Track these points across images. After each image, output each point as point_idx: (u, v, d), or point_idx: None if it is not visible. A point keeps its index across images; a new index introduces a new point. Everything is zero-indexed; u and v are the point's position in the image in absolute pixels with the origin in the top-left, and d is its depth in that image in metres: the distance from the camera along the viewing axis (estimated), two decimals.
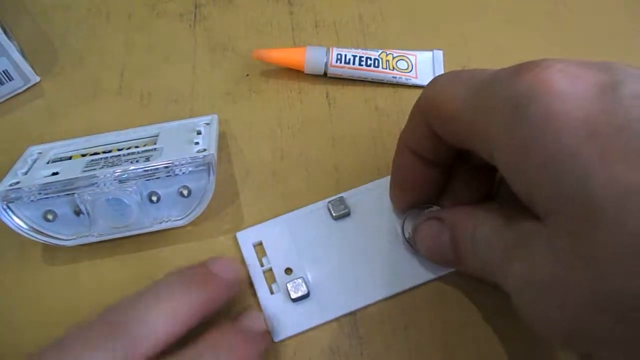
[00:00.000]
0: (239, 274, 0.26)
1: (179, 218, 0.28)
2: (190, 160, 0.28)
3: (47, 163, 0.30)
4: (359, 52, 0.35)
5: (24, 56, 0.35)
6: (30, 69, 0.35)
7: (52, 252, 0.29)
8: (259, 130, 0.34)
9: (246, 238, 0.29)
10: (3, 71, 0.34)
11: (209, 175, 0.28)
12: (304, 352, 0.26)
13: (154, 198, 0.28)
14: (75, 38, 0.39)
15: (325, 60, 0.34)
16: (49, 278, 0.29)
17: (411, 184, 0.26)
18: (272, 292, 0.27)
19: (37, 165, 0.30)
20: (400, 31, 0.38)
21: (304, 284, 0.26)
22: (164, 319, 0.22)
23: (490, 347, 0.26)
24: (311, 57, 0.34)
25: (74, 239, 0.28)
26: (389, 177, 0.28)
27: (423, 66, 0.35)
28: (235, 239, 0.29)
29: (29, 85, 0.36)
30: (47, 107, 0.36)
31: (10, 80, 0.35)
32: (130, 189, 0.27)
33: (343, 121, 0.34)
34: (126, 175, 0.27)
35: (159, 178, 0.28)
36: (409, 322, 0.27)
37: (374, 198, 0.29)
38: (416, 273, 0.27)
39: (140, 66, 0.37)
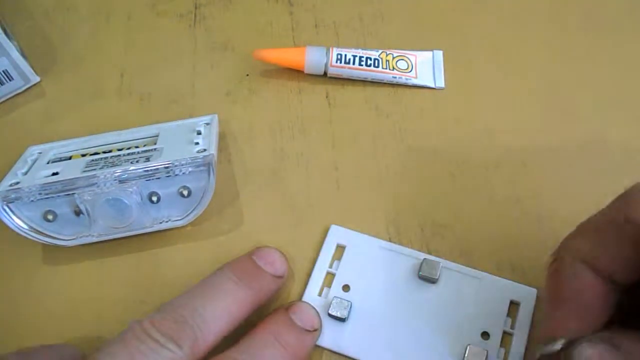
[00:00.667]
0: (286, 267, 0.27)
1: (179, 218, 0.28)
2: (190, 161, 0.28)
3: (47, 163, 0.30)
4: (359, 52, 0.35)
5: (24, 56, 0.35)
6: (30, 69, 0.35)
7: (52, 252, 0.29)
8: (259, 130, 0.34)
9: (337, 234, 0.29)
10: (3, 71, 0.34)
11: (209, 175, 0.28)
12: None
13: (154, 198, 0.28)
14: (75, 38, 0.39)
15: (325, 60, 0.34)
16: (49, 278, 0.29)
17: (586, 308, 0.21)
18: (319, 294, 0.27)
19: (37, 165, 0.30)
20: (400, 31, 0.38)
21: (347, 309, 0.26)
22: (220, 314, 0.23)
23: None
24: (311, 57, 0.34)
25: (74, 239, 0.28)
26: (492, 277, 0.26)
27: (423, 66, 0.35)
28: (324, 232, 0.29)
29: (29, 85, 0.36)
30: (47, 107, 0.36)
31: (10, 80, 0.35)
32: (130, 189, 0.27)
33: (343, 121, 0.34)
34: (126, 175, 0.27)
35: (159, 178, 0.28)
36: None
37: (467, 285, 0.26)
38: None
39: (140, 66, 0.37)
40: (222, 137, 0.33)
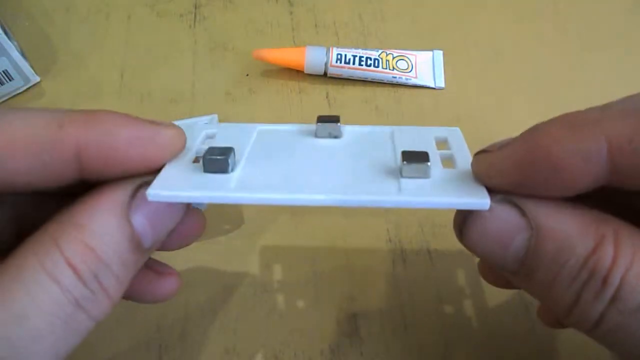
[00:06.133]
0: None
1: None
2: None
3: None
4: (359, 52, 0.35)
5: (24, 56, 0.35)
6: (30, 69, 0.35)
7: None
8: None
9: (201, 127, 0.22)
10: (3, 71, 0.34)
11: None
12: (304, 352, 0.26)
13: None
14: (75, 38, 0.39)
15: (325, 60, 0.34)
16: None
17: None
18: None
19: None
20: (400, 31, 0.38)
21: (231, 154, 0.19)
22: None
23: (490, 347, 0.26)
24: (311, 57, 0.34)
25: None
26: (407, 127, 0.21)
27: (423, 66, 0.35)
28: None
29: (29, 85, 0.36)
30: (47, 107, 0.36)
31: (10, 80, 0.35)
32: None
33: (343, 121, 0.34)
34: None
35: None
36: (409, 322, 0.27)
37: (378, 137, 0.22)
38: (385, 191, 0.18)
39: (140, 66, 0.37)
40: None
